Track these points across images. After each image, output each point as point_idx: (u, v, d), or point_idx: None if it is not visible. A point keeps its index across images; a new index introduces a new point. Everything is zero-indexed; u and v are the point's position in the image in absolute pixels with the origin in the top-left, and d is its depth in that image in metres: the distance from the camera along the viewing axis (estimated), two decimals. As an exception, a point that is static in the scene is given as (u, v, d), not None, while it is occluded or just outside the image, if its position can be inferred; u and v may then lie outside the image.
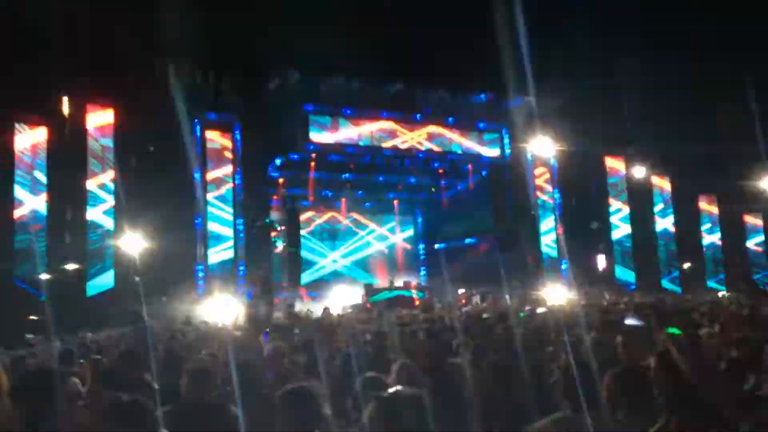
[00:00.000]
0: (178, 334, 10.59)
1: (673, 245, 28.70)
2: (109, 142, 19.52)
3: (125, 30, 17.84)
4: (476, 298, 23.07)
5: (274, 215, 23.02)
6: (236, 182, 21.49)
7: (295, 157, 23.80)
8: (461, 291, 24.43)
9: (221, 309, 18.73)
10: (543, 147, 25.71)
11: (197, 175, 20.84)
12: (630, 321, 7.13)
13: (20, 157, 18.22)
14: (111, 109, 19.46)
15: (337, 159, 24.48)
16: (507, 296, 21.11)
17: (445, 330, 8.13)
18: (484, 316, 10.95)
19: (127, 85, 18.83)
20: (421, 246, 30.32)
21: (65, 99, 18.90)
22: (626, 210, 27.90)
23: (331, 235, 28.31)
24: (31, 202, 18.30)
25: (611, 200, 27.88)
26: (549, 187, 27.05)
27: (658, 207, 28.88)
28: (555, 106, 24.37)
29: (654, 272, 27.66)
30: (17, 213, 18.11)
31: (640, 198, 28.25)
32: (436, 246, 29.18)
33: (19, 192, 18.19)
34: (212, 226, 21.02)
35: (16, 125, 18.12)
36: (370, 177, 25.94)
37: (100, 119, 19.44)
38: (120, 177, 19.28)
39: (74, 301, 17.92)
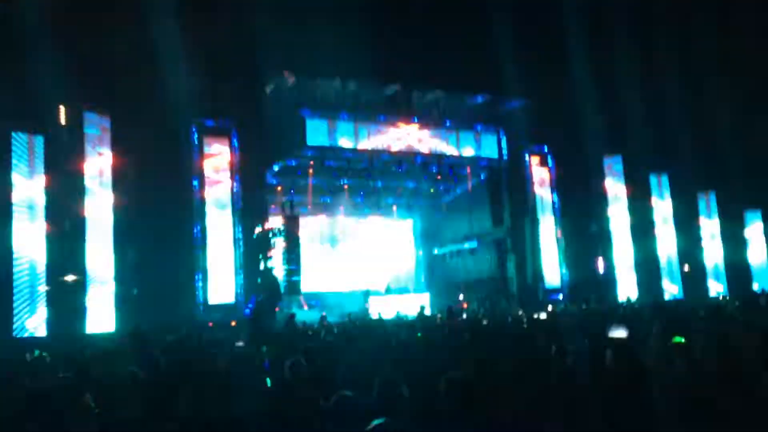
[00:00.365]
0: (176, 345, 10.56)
1: (674, 247, 28.57)
2: (106, 149, 19.41)
3: (121, 37, 17.80)
4: (472, 305, 23.03)
5: (273, 222, 22.94)
6: (234, 189, 21.41)
7: (293, 162, 23.78)
8: (461, 297, 24.43)
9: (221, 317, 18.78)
10: (542, 149, 25.76)
11: (195, 183, 20.80)
12: (615, 332, 7.03)
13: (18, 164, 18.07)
14: (108, 116, 19.37)
15: (335, 164, 24.44)
16: (505, 301, 21.09)
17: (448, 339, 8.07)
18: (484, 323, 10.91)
19: (124, 93, 18.76)
20: (421, 250, 30.29)
21: (62, 107, 18.78)
22: (625, 212, 27.83)
23: (331, 242, 28.26)
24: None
25: (611, 201, 27.79)
26: (548, 190, 26.99)
27: (658, 207, 28.78)
28: (553, 107, 24.35)
29: (654, 274, 27.59)
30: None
31: (638, 198, 28.15)
32: (436, 250, 29.17)
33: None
34: (211, 234, 20.94)
35: (13, 135, 17.96)
36: (368, 182, 25.90)
37: (97, 127, 19.33)
38: (118, 185, 19.20)
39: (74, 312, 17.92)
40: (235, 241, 21.10)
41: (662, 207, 28.66)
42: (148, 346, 9.66)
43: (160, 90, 18.07)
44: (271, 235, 21.26)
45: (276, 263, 21.68)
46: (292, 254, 22.40)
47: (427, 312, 20.98)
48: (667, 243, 28.28)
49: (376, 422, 2.82)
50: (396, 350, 7.11)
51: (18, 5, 16.55)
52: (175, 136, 19.67)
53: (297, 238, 22.77)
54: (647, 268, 27.36)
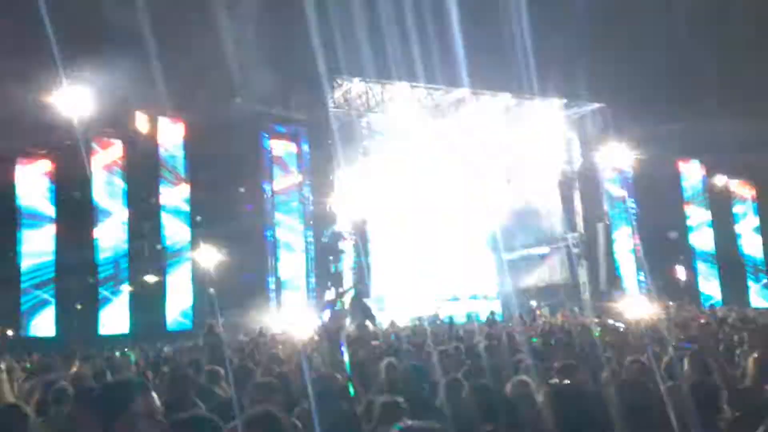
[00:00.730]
0: (251, 345, 10.76)
1: (761, 254, 27.30)
2: (181, 155, 20.14)
3: (195, 47, 18.33)
4: (545, 311, 22.45)
5: (342, 225, 23.09)
6: (305, 193, 21.72)
7: (362, 165, 23.80)
8: (533, 303, 23.91)
9: (294, 320, 18.98)
10: (616, 153, 25.04)
11: (267, 187, 21.21)
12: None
13: (98, 172, 18.93)
14: (182, 123, 20.02)
15: (404, 166, 24.43)
16: (577, 308, 20.37)
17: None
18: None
19: (198, 100, 19.29)
20: (495, 255, 29.60)
21: (138, 114, 19.48)
22: (707, 218, 26.76)
23: (401, 244, 27.88)
24: (110, 216, 18.98)
25: (690, 208, 26.84)
26: (623, 195, 26.26)
27: (741, 214, 27.56)
28: (629, 111, 23.69)
29: (740, 283, 26.44)
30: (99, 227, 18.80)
31: (721, 205, 27.07)
32: (508, 255, 28.49)
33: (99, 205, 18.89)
34: (282, 237, 21.29)
35: (93, 143, 18.79)
36: (438, 184, 25.71)
37: (171, 133, 20.04)
38: (193, 190, 19.86)
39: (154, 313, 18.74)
40: (306, 244, 21.39)
41: (746, 213, 27.44)
42: (222, 346, 9.85)
43: (231, 97, 18.51)
44: (340, 238, 21.46)
45: (346, 267, 21.89)
46: (362, 258, 22.51)
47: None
48: (752, 251, 27.05)
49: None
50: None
51: (98, 17, 17.23)
52: (246, 142, 20.13)
53: (367, 242, 22.87)
54: (732, 276, 26.24)
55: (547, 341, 8.67)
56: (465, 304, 24.06)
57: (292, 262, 21.16)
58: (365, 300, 22.04)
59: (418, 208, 26.20)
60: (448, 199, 26.36)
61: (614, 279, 25.12)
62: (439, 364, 6.50)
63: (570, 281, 25.44)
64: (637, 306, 21.25)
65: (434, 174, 24.78)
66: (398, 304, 24.35)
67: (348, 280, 21.82)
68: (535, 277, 26.34)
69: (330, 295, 20.82)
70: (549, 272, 26.13)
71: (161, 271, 19.25)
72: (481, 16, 21.76)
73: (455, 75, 21.52)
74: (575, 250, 25.61)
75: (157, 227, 19.52)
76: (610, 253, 25.39)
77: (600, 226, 25.77)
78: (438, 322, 19.85)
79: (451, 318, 18.88)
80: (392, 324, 17.43)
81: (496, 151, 24.87)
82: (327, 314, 18.80)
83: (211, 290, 17.93)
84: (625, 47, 22.97)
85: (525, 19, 21.06)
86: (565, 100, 24.77)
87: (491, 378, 5.32)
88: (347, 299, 19.52)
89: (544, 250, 26.66)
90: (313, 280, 21.14)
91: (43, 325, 17.79)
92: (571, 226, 25.91)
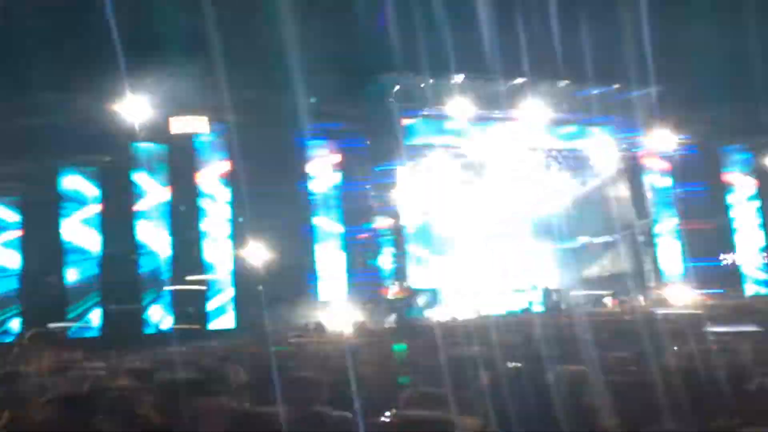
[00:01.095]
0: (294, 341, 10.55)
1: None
2: (220, 155, 20.31)
3: (230, 45, 18.06)
4: (607, 300, 21.80)
5: (382, 223, 22.79)
6: (342, 190, 21.70)
7: (401, 162, 23.32)
8: (589, 293, 23.37)
9: (337, 315, 18.89)
10: (664, 140, 24.54)
11: (305, 184, 21.28)
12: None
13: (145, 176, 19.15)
14: (221, 122, 19.98)
15: (447, 160, 23.98)
16: (641, 297, 20.01)
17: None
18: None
19: (246, 99, 19.13)
20: (552, 246, 28.67)
21: (185, 117, 19.54)
22: (754, 204, 26.07)
23: (441, 241, 27.12)
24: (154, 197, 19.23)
25: (737, 192, 26.16)
26: (670, 181, 25.82)
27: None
28: (677, 95, 22.86)
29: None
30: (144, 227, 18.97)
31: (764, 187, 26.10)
32: (570, 245, 27.63)
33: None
34: (320, 235, 21.39)
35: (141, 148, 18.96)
36: (496, 175, 25.22)
37: (209, 134, 20.06)
38: (233, 189, 20.01)
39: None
40: (344, 240, 21.43)
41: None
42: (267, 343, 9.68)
43: (267, 93, 18.36)
44: (377, 236, 21.40)
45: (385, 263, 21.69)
46: (399, 255, 22.38)
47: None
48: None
49: None
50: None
51: (140, 21, 17.21)
52: (282, 139, 20.06)
53: (404, 240, 22.69)
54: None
55: (609, 330, 8.10)
56: (524, 295, 23.53)
57: (329, 259, 21.25)
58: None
59: (476, 199, 25.62)
60: (507, 190, 25.82)
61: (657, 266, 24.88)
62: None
63: (635, 269, 24.88)
64: (683, 293, 20.92)
65: (491, 165, 24.50)
66: (456, 298, 23.70)
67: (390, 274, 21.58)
68: (598, 267, 25.79)
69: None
70: (612, 261, 25.53)
71: (204, 270, 19.36)
72: (533, 4, 21.03)
73: (511, 64, 20.94)
74: (641, 238, 24.90)
75: (198, 225, 19.71)
76: (651, 239, 25.47)
77: (645, 213, 25.61)
78: (497, 315, 19.36)
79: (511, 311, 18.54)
80: (453, 320, 17.01)
81: (555, 140, 24.78)
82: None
83: (260, 287, 18.11)
84: (680, 29, 21.98)
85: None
86: (616, 85, 24.28)
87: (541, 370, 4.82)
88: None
89: (609, 238, 26.01)
90: (352, 275, 21.24)
91: (89, 322, 17.99)
92: (641, 213, 25.51)
